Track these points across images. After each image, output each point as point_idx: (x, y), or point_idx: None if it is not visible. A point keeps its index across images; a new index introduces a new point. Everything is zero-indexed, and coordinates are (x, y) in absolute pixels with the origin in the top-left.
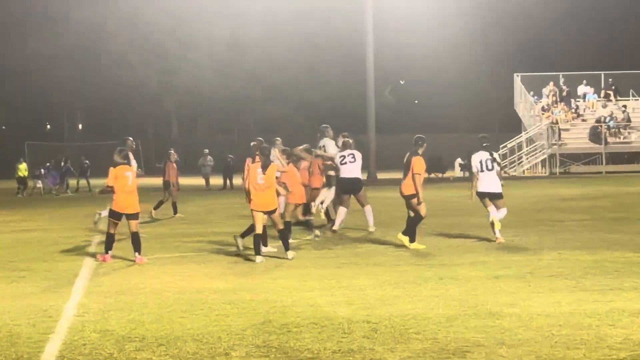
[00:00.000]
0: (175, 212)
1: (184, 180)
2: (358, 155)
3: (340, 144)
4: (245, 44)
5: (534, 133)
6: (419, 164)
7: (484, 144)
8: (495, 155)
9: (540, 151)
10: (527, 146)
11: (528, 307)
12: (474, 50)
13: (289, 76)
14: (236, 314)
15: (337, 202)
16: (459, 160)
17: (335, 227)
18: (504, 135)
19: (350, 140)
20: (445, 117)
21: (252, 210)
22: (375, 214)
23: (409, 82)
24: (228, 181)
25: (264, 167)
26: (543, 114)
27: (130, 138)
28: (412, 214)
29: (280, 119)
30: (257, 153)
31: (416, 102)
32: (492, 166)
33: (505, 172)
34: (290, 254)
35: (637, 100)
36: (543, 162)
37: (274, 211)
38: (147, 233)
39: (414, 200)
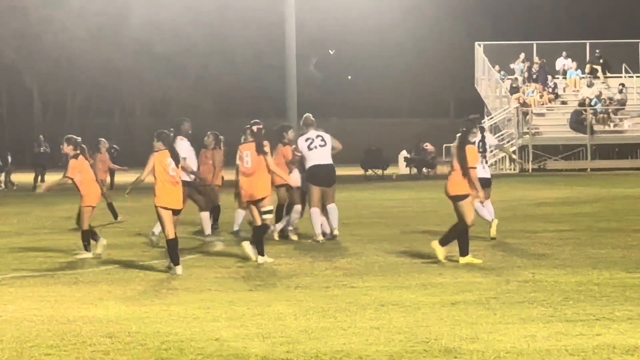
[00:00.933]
0: (115, 216)
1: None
2: (327, 138)
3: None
4: (128, 1)
5: (500, 119)
6: (472, 154)
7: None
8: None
9: (508, 142)
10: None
11: (493, 342)
12: (423, 12)
13: (186, 44)
14: (118, 350)
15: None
16: (403, 154)
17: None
18: (462, 121)
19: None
20: (387, 98)
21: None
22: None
23: (340, 52)
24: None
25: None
26: (512, 94)
27: None
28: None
29: (175, 98)
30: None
31: (349, 77)
32: (484, 148)
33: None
34: (261, 259)
35: (632, 77)
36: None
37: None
38: (2, 245)
39: (464, 203)
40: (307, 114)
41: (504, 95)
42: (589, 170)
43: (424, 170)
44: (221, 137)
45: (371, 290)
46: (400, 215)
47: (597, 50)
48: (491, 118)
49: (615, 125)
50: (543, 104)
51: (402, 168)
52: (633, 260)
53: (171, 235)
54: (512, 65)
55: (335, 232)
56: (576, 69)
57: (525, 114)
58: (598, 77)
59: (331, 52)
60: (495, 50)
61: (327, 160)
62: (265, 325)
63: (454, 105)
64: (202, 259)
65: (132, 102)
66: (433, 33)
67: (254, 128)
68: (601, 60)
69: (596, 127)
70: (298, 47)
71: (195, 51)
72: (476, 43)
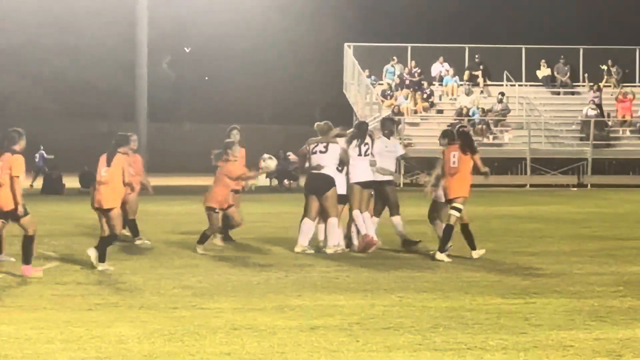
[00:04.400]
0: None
1: None
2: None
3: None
4: None
5: (370, 127)
6: None
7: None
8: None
9: None
10: None
11: None
12: (289, 9)
13: (25, 36)
14: None
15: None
16: None
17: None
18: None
19: None
20: (247, 102)
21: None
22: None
23: (197, 50)
24: None
25: None
26: (383, 100)
27: None
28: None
29: (12, 96)
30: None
31: (206, 78)
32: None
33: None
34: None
35: (514, 85)
36: None
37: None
38: None
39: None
40: (323, 122)
41: (375, 101)
42: None
43: (286, 182)
44: None
45: (223, 312)
46: (257, 231)
47: (477, 56)
48: None
49: (495, 138)
50: (417, 112)
51: (261, 179)
52: (509, 285)
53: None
54: (384, 69)
55: (328, 250)
56: (454, 76)
57: (397, 122)
58: (477, 85)
59: (187, 50)
60: (367, 53)
61: (324, 169)
62: (105, 348)
63: (320, 112)
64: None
65: None
66: (299, 32)
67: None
68: (481, 67)
69: (475, 139)
70: (150, 43)
71: (36, 44)
72: (346, 44)
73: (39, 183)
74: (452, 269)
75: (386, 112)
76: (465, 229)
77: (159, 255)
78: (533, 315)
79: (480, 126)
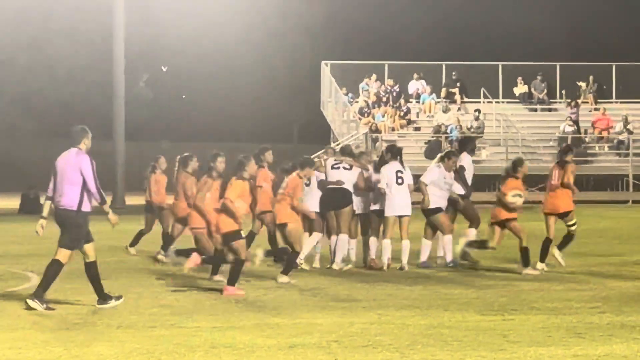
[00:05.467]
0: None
1: None
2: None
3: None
4: None
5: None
6: None
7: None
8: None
9: None
10: None
11: None
12: (268, 28)
13: (3, 56)
14: None
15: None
16: None
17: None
18: (306, 146)
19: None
20: (225, 120)
21: None
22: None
23: (174, 68)
24: None
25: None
26: (361, 118)
27: None
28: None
29: None
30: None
31: (184, 97)
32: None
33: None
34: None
35: (491, 102)
36: None
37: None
38: None
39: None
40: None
41: (353, 119)
42: None
43: None
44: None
45: (201, 330)
46: None
47: (454, 73)
48: (338, 144)
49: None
50: (394, 130)
51: None
52: (488, 302)
53: None
54: (361, 86)
55: (335, 265)
56: (431, 93)
57: (375, 140)
58: (455, 102)
59: (164, 69)
60: (344, 70)
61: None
62: None
63: (298, 130)
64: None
65: None
66: (278, 50)
67: None
68: (458, 84)
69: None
70: (127, 62)
71: (12, 63)
72: (323, 62)
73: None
74: (430, 285)
75: (364, 130)
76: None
77: (137, 274)
78: (511, 331)
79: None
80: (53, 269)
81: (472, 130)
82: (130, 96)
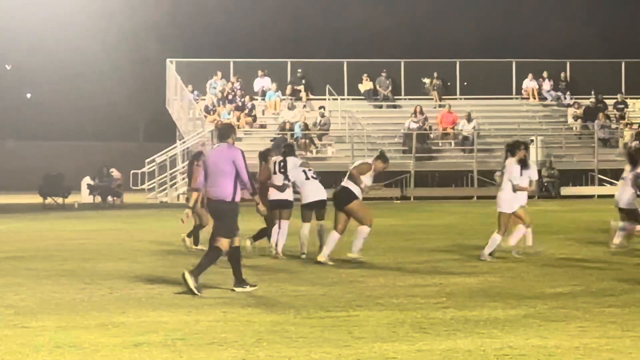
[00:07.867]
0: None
1: None
2: None
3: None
4: None
5: (194, 143)
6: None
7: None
8: None
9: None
10: (184, 161)
11: None
12: (114, 26)
13: None
14: None
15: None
16: (87, 180)
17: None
18: (152, 145)
19: None
20: (70, 119)
21: None
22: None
23: (18, 67)
24: None
25: None
26: (207, 116)
27: None
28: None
29: None
30: None
31: (28, 96)
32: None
33: None
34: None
35: (336, 99)
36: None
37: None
38: None
39: None
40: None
41: (198, 117)
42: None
43: (110, 198)
44: None
45: (45, 330)
46: (80, 249)
47: (299, 70)
48: (184, 142)
49: (318, 152)
50: (240, 127)
51: (85, 196)
52: (333, 298)
53: None
54: (208, 84)
55: (350, 255)
56: (276, 90)
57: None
58: (300, 99)
59: (8, 68)
60: (190, 68)
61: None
62: None
63: (144, 128)
64: None
65: None
66: (121, 48)
67: None
68: (303, 81)
69: (298, 153)
70: None
71: None
72: (168, 60)
73: None
74: (275, 283)
75: (209, 128)
76: None
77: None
78: (356, 327)
79: (303, 140)
80: (211, 255)
81: (318, 127)
82: None
